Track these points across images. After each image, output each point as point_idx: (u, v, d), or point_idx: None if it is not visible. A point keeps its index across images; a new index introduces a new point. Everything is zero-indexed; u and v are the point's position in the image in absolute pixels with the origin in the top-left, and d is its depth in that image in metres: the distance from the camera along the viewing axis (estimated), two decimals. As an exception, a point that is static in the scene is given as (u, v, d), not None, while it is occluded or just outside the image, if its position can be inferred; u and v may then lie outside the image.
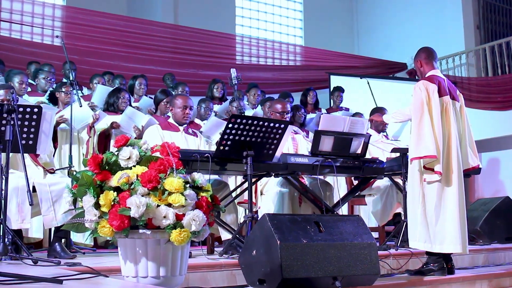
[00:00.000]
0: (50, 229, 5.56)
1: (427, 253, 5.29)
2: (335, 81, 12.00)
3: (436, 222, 5.14)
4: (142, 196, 3.41)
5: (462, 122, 5.43)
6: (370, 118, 6.30)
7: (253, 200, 5.52)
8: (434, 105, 5.20)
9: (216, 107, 8.80)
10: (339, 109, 10.35)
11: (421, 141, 5.09)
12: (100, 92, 7.93)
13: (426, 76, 5.43)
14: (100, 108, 7.59)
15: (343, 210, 6.71)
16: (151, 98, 8.25)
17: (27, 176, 4.42)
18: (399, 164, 6.28)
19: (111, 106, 7.56)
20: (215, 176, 5.96)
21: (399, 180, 6.50)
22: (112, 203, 3.44)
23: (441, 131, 5.16)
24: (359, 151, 6.03)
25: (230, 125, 5.07)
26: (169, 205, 3.45)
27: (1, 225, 4.37)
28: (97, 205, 3.48)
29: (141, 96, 8.57)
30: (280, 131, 5.30)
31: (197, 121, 7.95)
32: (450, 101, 5.33)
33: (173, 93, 8.40)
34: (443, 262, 5.24)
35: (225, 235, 5.87)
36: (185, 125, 6.30)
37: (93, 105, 7.60)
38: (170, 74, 10.18)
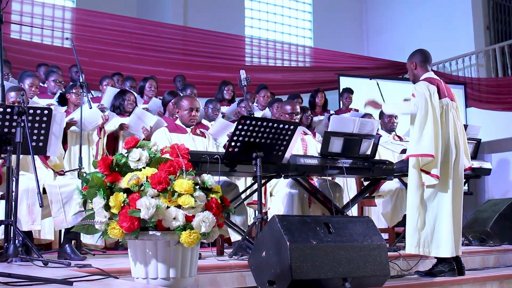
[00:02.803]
0: (60, 231, 5.58)
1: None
2: (345, 82, 11.98)
3: (434, 226, 5.15)
4: (152, 197, 3.42)
5: (459, 122, 5.42)
6: (367, 102, 6.19)
7: (263, 201, 5.52)
8: (435, 107, 5.18)
9: (225, 109, 8.79)
10: (348, 110, 10.32)
11: (422, 139, 5.09)
12: (110, 94, 7.94)
13: (423, 78, 5.40)
14: (109, 110, 7.61)
15: (353, 211, 6.70)
16: (161, 99, 8.26)
17: (37, 177, 4.43)
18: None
19: (117, 108, 7.58)
20: (225, 178, 5.97)
21: (409, 182, 6.48)
22: (122, 204, 3.45)
23: (440, 134, 5.15)
24: (368, 152, 6.01)
25: (239, 126, 5.06)
26: (179, 206, 3.46)
27: (12, 227, 4.39)
28: (107, 207, 3.49)
29: (151, 97, 8.59)
30: (289, 132, 5.29)
31: (205, 122, 7.94)
32: (450, 103, 5.32)
33: (181, 94, 8.40)
34: (453, 263, 5.24)
35: (235, 237, 5.88)
36: (193, 126, 6.30)
37: (102, 107, 7.62)
38: (180, 76, 10.17)
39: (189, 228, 3.43)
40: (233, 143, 5.13)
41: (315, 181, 6.55)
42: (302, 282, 3.98)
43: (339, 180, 7.06)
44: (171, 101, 7.67)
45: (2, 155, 4.72)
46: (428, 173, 5.11)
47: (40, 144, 4.89)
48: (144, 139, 6.77)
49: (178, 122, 6.32)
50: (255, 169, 5.14)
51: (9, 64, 8.32)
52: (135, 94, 8.05)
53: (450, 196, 5.17)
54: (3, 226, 4.51)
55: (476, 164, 7.09)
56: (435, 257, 5.31)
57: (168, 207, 3.44)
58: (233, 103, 9.02)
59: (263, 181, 5.57)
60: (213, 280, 4.48)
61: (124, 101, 7.57)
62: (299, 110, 6.86)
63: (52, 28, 10.82)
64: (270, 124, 5.19)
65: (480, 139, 7.21)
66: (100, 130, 7.14)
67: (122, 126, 7.22)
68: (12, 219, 4.42)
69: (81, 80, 6.61)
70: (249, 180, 6.34)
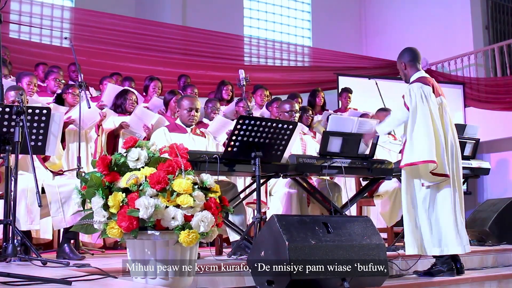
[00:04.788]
0: (59, 230, 5.58)
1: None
2: (343, 82, 11.97)
3: (436, 225, 5.16)
4: (151, 197, 3.42)
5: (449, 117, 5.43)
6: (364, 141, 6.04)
7: (262, 200, 5.51)
8: (433, 107, 5.18)
9: (223, 109, 8.78)
10: (347, 110, 10.31)
11: (416, 146, 5.09)
12: (111, 90, 7.92)
13: (416, 78, 5.37)
14: (108, 108, 7.60)
15: (352, 211, 6.70)
16: (161, 98, 8.27)
17: (36, 177, 4.44)
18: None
19: (119, 108, 7.57)
20: (224, 177, 5.96)
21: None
22: (121, 204, 3.44)
23: (442, 133, 5.15)
24: (367, 152, 6.01)
25: (238, 126, 5.06)
26: (178, 206, 3.46)
27: (11, 227, 4.39)
28: (105, 206, 3.49)
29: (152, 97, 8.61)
30: (288, 132, 5.29)
31: (205, 121, 7.93)
32: (444, 101, 5.32)
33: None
34: (452, 263, 5.24)
35: (234, 236, 5.87)
36: (193, 126, 6.28)
37: (102, 104, 7.60)
38: (185, 76, 10.11)
39: (188, 228, 3.43)
40: (232, 143, 5.13)
41: (314, 180, 6.54)
42: (301, 282, 3.98)
43: (338, 180, 7.05)
44: (172, 100, 7.68)
45: (1, 155, 4.71)
46: (440, 174, 5.11)
47: (39, 143, 4.89)
48: (145, 138, 6.79)
49: (178, 121, 6.31)
50: (254, 169, 5.13)
51: (10, 65, 8.31)
52: (136, 94, 8.04)
53: (453, 193, 5.18)
54: (1, 225, 4.50)
55: (475, 164, 7.10)
56: (434, 256, 5.31)
57: (167, 207, 3.44)
58: (231, 103, 9.01)
59: (262, 180, 5.57)
60: (212, 280, 4.47)
61: (126, 100, 7.56)
62: (297, 108, 6.85)
63: (51, 27, 10.82)
64: (269, 123, 5.19)
65: (479, 139, 7.20)
66: (98, 128, 7.13)
67: (122, 125, 7.20)
68: (11, 218, 4.42)
69: (79, 80, 6.60)
70: (248, 180, 6.34)
